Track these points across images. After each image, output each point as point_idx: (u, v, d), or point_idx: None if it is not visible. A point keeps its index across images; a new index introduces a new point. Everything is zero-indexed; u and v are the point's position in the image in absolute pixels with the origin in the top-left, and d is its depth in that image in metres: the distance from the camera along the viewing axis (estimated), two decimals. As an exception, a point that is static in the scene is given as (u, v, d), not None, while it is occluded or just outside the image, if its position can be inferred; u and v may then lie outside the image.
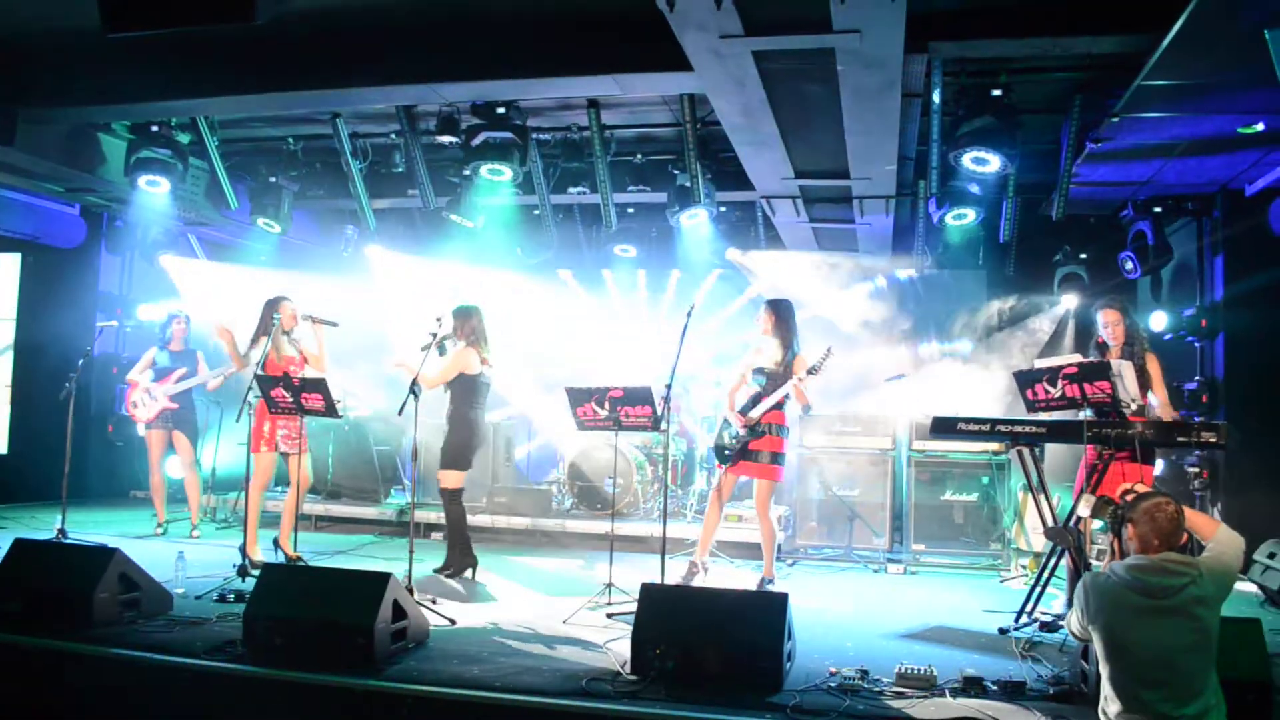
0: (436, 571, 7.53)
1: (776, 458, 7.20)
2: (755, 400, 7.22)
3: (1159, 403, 6.35)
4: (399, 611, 5.35)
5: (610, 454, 9.68)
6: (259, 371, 7.27)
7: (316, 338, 7.81)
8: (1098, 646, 3.79)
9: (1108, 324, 6.58)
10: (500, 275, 11.95)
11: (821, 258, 11.40)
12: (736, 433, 7.21)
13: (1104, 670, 3.76)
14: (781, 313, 7.38)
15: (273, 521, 7.93)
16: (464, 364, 7.45)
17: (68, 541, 7.74)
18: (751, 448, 7.18)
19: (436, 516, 9.53)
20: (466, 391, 7.50)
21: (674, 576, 6.46)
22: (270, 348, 7.52)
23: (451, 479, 7.52)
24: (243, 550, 7.15)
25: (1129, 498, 4.21)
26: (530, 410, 11.83)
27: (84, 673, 5.21)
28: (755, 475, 7.24)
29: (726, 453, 7.26)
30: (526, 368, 12.19)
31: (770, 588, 7.16)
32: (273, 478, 7.77)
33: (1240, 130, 7.21)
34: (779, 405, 7.15)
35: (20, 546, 6.10)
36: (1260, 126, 7.11)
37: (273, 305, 7.71)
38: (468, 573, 7.57)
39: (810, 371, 6.98)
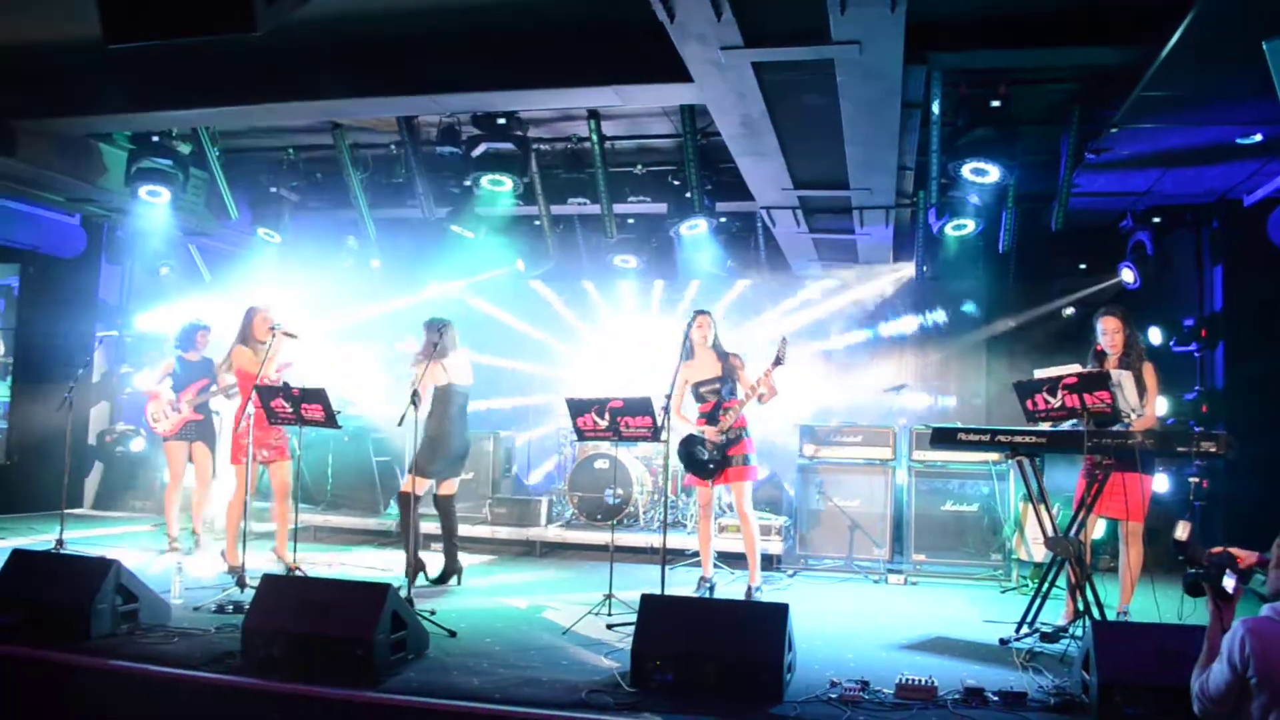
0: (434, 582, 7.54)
1: (748, 458, 7.25)
2: (718, 409, 7.23)
3: (1145, 414, 6.31)
4: (398, 622, 5.34)
5: (611, 464, 9.71)
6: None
7: (274, 348, 7.78)
8: (1257, 697, 3.33)
9: (1107, 331, 6.55)
10: (503, 285, 11.98)
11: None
12: (713, 445, 7.19)
13: None
14: (714, 321, 7.43)
15: (268, 535, 7.92)
16: (433, 377, 7.48)
17: (66, 552, 7.72)
18: (729, 454, 7.21)
19: (435, 527, 9.52)
20: (434, 403, 7.56)
21: (674, 587, 6.45)
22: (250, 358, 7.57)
23: (404, 483, 7.54)
24: (224, 555, 7.15)
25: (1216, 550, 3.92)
26: (530, 419, 11.84)
27: (82, 684, 5.19)
28: (737, 479, 7.24)
29: (711, 467, 7.20)
30: (531, 377, 12.23)
31: (759, 595, 7.17)
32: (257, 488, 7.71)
33: (1239, 141, 7.24)
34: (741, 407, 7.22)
35: (19, 557, 6.09)
36: (1258, 137, 7.14)
37: (249, 315, 7.75)
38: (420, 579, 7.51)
39: (776, 363, 6.97)
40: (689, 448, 7.29)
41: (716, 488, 7.38)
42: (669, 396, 6.66)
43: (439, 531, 7.95)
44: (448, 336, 7.58)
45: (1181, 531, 4.34)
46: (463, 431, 7.80)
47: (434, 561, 7.89)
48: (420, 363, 7.47)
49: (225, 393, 8.80)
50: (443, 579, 7.69)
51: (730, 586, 7.86)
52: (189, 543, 8.87)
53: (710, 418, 7.26)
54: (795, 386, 9.99)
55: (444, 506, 7.84)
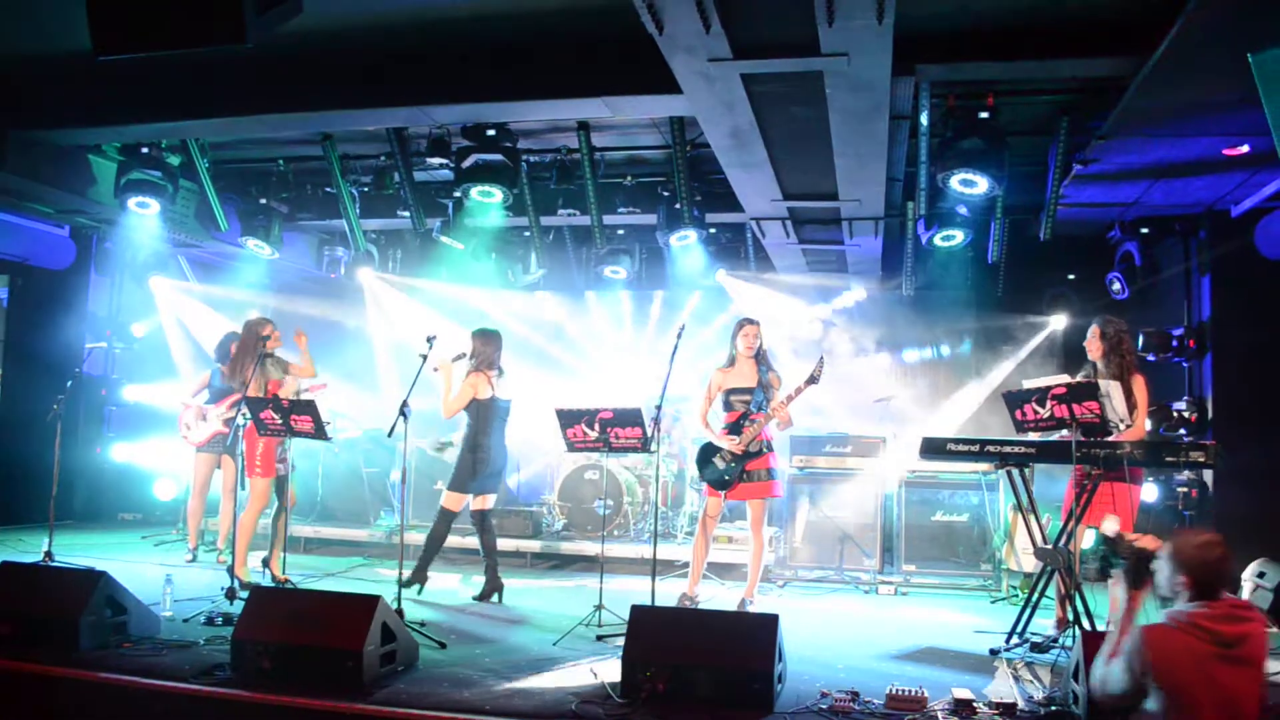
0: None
1: (772, 473, 7.18)
2: (744, 419, 7.19)
3: (1134, 425, 6.31)
4: (388, 634, 5.33)
5: (601, 475, 9.69)
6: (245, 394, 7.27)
7: (303, 350, 7.82)
8: (1157, 702, 3.46)
9: (1088, 337, 6.62)
10: (494, 296, 11.98)
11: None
12: (732, 456, 7.16)
13: None
14: (761, 331, 7.40)
15: (259, 544, 7.89)
16: (475, 389, 7.45)
17: (55, 564, 7.68)
18: (748, 469, 7.14)
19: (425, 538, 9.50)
20: (476, 416, 7.52)
21: (664, 599, 6.44)
22: (257, 371, 7.53)
23: (447, 500, 7.51)
24: (231, 571, 7.09)
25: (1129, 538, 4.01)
26: (521, 431, 11.81)
27: (71, 697, 5.16)
28: (755, 495, 7.14)
29: (726, 479, 7.14)
30: (521, 388, 12.20)
31: (750, 609, 7.13)
32: (270, 501, 7.69)
33: (1225, 152, 7.27)
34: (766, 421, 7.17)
35: (7, 569, 6.09)
36: (1245, 148, 7.17)
37: (255, 327, 7.71)
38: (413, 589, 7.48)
39: (811, 380, 6.94)
40: (708, 456, 7.27)
41: (728, 501, 7.34)
42: (659, 407, 6.63)
43: (458, 545, 7.85)
44: (496, 348, 7.61)
45: (1110, 527, 4.59)
46: (501, 445, 7.73)
47: (434, 579, 7.83)
48: (472, 371, 7.48)
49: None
50: (484, 596, 7.60)
51: (717, 597, 7.84)
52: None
53: (734, 428, 7.21)
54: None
55: (481, 522, 7.70)
